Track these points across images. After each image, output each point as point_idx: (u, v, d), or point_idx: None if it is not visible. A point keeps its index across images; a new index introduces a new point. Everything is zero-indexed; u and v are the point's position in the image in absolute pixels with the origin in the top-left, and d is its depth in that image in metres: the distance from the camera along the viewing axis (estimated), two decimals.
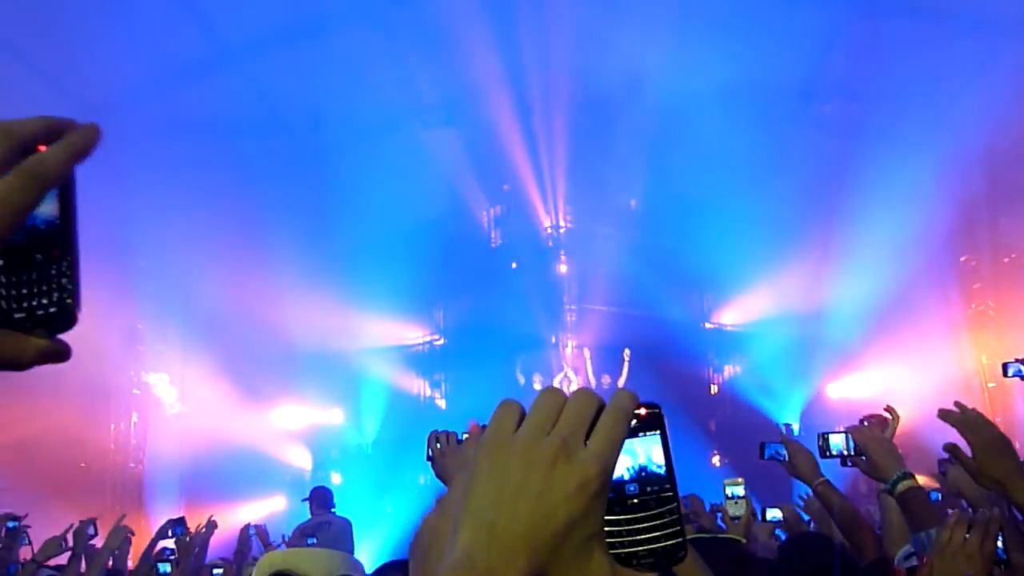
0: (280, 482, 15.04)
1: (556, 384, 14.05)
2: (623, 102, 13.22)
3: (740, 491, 3.68)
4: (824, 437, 3.30)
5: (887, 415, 3.34)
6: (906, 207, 11.83)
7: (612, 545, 0.75)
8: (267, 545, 7.34)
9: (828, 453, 3.31)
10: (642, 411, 0.78)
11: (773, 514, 5.88)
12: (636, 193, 15.16)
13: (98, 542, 5.85)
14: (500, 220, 15.77)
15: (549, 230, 15.44)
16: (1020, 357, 6.17)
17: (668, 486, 0.77)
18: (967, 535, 1.88)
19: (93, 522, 6.24)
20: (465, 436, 2.98)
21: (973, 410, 2.64)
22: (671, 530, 0.75)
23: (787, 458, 3.86)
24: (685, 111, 12.90)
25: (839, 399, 14.65)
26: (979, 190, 12.36)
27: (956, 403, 2.68)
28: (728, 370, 16.14)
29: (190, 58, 11.64)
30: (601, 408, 0.76)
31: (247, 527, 7.28)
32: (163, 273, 13.80)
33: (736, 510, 3.57)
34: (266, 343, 14.06)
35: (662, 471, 0.77)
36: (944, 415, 2.63)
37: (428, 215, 14.67)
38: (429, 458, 2.95)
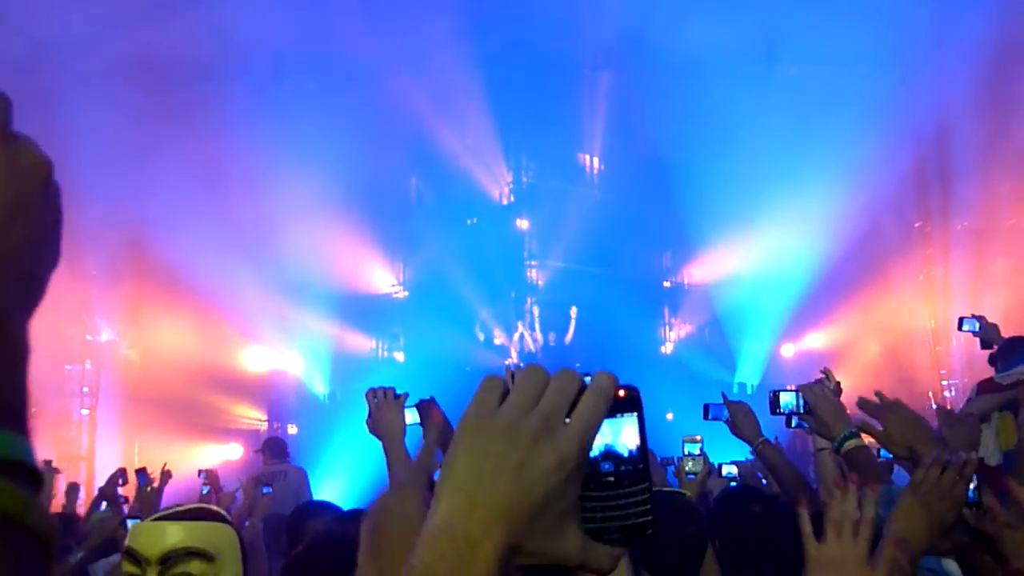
0: (236, 432, 15.01)
1: (515, 340, 14.17)
2: (587, 58, 13.19)
3: (697, 449, 3.77)
4: (775, 395, 3.36)
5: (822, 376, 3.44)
6: (863, 171, 11.97)
7: (585, 520, 0.78)
8: (218, 491, 7.31)
9: (778, 410, 3.37)
10: (621, 392, 0.80)
11: (728, 470, 6.02)
12: (599, 150, 15.16)
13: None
14: (460, 174, 15.69)
15: (510, 185, 15.41)
16: (976, 313, 6.35)
17: (641, 466, 0.79)
18: (941, 475, 1.91)
19: (123, 473, 6.31)
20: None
21: (894, 400, 2.78)
22: (641, 508, 0.79)
23: (729, 418, 3.99)
24: (651, 70, 12.92)
25: (794, 358, 14.90)
26: (932, 157, 12.51)
27: (876, 392, 2.84)
28: (685, 329, 16.27)
29: None
30: (583, 388, 0.78)
31: (199, 472, 7.29)
32: (117, 216, 13.55)
33: (694, 466, 3.66)
34: (225, 288, 13.91)
35: (636, 451, 0.80)
36: (862, 404, 2.80)
37: (389, 167, 14.58)
38: (369, 416, 2.95)
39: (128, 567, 1.80)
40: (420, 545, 0.75)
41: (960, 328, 6.37)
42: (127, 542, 1.83)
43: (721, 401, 4.07)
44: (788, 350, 15.14)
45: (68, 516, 6.21)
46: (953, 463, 1.93)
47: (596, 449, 0.79)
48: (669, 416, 14.04)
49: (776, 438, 4.60)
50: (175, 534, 1.80)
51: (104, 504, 6.66)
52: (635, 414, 0.80)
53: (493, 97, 13.82)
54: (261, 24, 12.16)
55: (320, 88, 13.47)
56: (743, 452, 6.32)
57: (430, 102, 13.94)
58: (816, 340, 14.67)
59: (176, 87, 12.81)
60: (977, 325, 6.14)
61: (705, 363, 15.30)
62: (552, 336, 14.94)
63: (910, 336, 13.82)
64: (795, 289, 14.30)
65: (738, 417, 3.96)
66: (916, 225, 14.26)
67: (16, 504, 0.55)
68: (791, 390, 3.28)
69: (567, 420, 0.77)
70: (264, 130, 13.28)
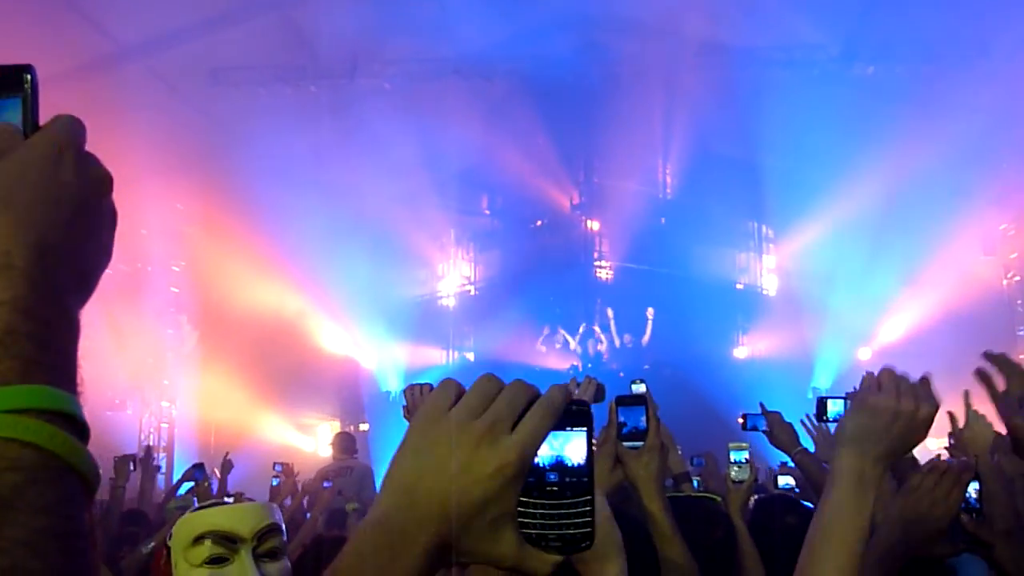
0: (309, 426, 15.33)
1: (576, 342, 14.12)
2: (655, 57, 13.08)
3: (744, 456, 3.72)
4: (822, 401, 3.31)
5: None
6: (946, 174, 11.64)
7: (525, 525, 0.80)
8: (293, 485, 7.46)
9: (825, 418, 3.32)
10: (572, 407, 0.83)
11: (785, 481, 5.91)
12: (668, 150, 15.04)
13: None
14: (531, 175, 15.74)
15: (582, 186, 15.40)
16: None
17: (586, 479, 0.82)
18: (939, 481, 1.88)
19: (133, 458, 6.50)
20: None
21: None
22: (581, 520, 0.81)
23: (767, 428, 4.07)
24: (721, 68, 12.78)
25: (872, 361, 14.56)
26: (1015, 158, 12.12)
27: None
28: (759, 332, 16.05)
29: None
30: (534, 400, 0.82)
31: (274, 465, 7.44)
32: (198, 216, 13.98)
33: (740, 474, 3.60)
34: (298, 288, 14.22)
35: (583, 464, 0.82)
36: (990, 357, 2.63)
37: (460, 167, 14.70)
38: (404, 408, 3.04)
39: (214, 549, 1.88)
40: (357, 535, 0.81)
41: None
42: (208, 526, 1.90)
43: (759, 412, 4.13)
44: (865, 353, 14.77)
45: (137, 511, 6.39)
46: (952, 469, 1.90)
47: (545, 459, 0.81)
48: (740, 420, 13.87)
49: None
50: (261, 511, 1.94)
51: (181, 492, 6.88)
52: (584, 429, 0.83)
53: (564, 96, 13.83)
54: (338, 24, 12.37)
55: (394, 87, 13.62)
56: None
57: (499, 103, 14.00)
58: (896, 347, 14.27)
59: (256, 87, 13.14)
60: None
61: (779, 367, 15.05)
62: (628, 338, 14.85)
63: (995, 345, 13.36)
64: (873, 290, 14.00)
65: (776, 427, 4.03)
66: (1001, 228, 13.83)
67: (66, 448, 0.64)
68: (840, 397, 3.21)
69: (514, 430, 0.80)
70: (344, 130, 13.55)
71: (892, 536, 1.85)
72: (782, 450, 4.04)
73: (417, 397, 3.01)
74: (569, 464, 0.82)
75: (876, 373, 1.59)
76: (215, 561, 1.86)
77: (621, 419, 2.23)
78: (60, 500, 0.63)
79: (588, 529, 0.81)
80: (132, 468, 6.31)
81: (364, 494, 7.30)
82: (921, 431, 1.52)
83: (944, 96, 11.56)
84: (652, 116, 13.77)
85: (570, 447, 0.82)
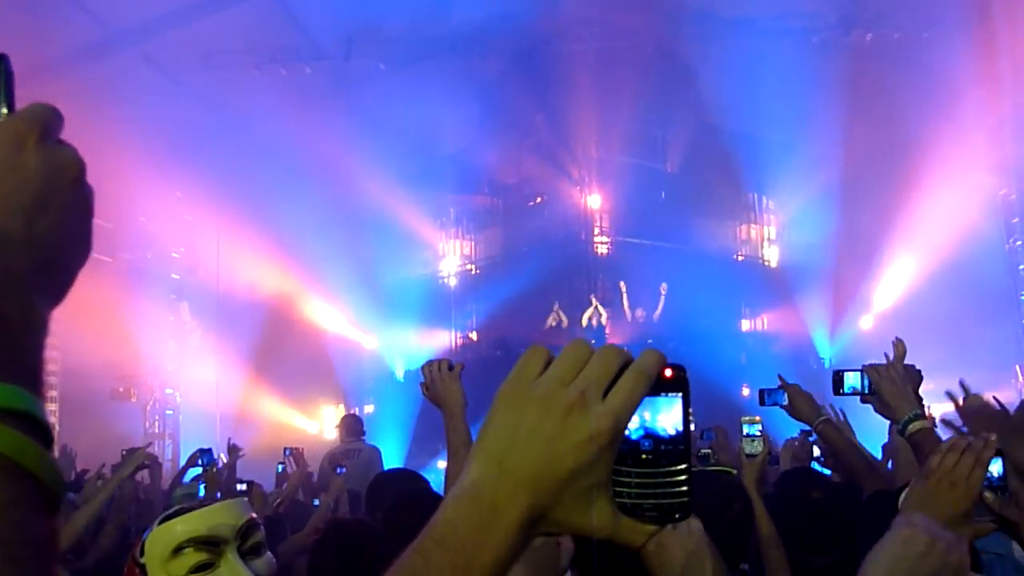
0: (315, 409, 15.36)
1: (587, 318, 14.12)
2: (652, 30, 13.00)
3: (757, 429, 3.69)
4: (838, 375, 3.28)
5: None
6: (944, 140, 11.59)
7: (619, 494, 0.78)
8: (302, 469, 7.45)
9: (841, 391, 3.28)
10: (668, 372, 0.80)
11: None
12: (669, 123, 14.96)
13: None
14: (530, 150, 15.68)
15: (582, 160, 15.32)
16: None
17: (682, 447, 0.79)
18: (958, 461, 1.83)
19: (206, 452, 6.52)
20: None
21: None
22: (678, 489, 0.78)
23: (787, 402, 3.93)
24: (719, 39, 12.69)
25: (873, 330, 14.56)
26: (1020, 122, 12.05)
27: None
28: (762, 304, 16.03)
29: None
30: (627, 365, 0.78)
31: (284, 450, 7.43)
32: (197, 202, 13.94)
33: (752, 448, 3.57)
34: (299, 273, 14.20)
35: (678, 432, 0.79)
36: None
37: (459, 146, 14.64)
38: (422, 384, 3.01)
39: (197, 556, 1.78)
40: (446, 503, 0.78)
41: None
42: (186, 534, 1.79)
43: (777, 384, 4.00)
44: (867, 322, 14.77)
45: (148, 500, 6.39)
46: (972, 447, 1.84)
47: (637, 426, 0.79)
48: (745, 391, 13.88)
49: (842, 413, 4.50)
50: (237, 508, 1.86)
51: (187, 479, 6.88)
52: (680, 395, 0.80)
53: (563, 71, 13.74)
54: (331, 4, 12.29)
55: (390, 67, 13.53)
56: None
57: (495, 81, 13.93)
58: (898, 315, 14.26)
59: (254, 69, 13.06)
60: None
61: (783, 339, 15.07)
62: (640, 313, 14.81)
63: (996, 308, 13.36)
64: (874, 258, 13.99)
65: (796, 399, 3.91)
66: (1001, 193, 13.77)
67: (17, 448, 0.60)
68: (855, 370, 3.18)
69: (606, 396, 0.77)
70: (341, 110, 13.48)
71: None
72: (805, 422, 3.93)
73: (435, 373, 2.97)
74: (663, 432, 0.80)
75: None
76: (201, 568, 1.77)
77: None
78: (5, 504, 0.58)
79: (684, 499, 0.79)
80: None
81: (372, 477, 7.27)
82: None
83: (942, 62, 11.47)
84: (650, 89, 13.67)
85: (664, 414, 0.80)
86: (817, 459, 5.82)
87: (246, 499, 1.97)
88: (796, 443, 5.71)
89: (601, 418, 0.75)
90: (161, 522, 1.84)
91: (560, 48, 13.30)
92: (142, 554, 1.82)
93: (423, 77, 13.41)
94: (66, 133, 0.75)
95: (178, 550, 1.78)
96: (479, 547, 0.75)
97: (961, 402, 3.34)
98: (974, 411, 3.11)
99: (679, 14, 12.56)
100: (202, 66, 12.85)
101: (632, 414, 0.77)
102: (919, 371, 3.29)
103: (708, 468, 3.48)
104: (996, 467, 1.88)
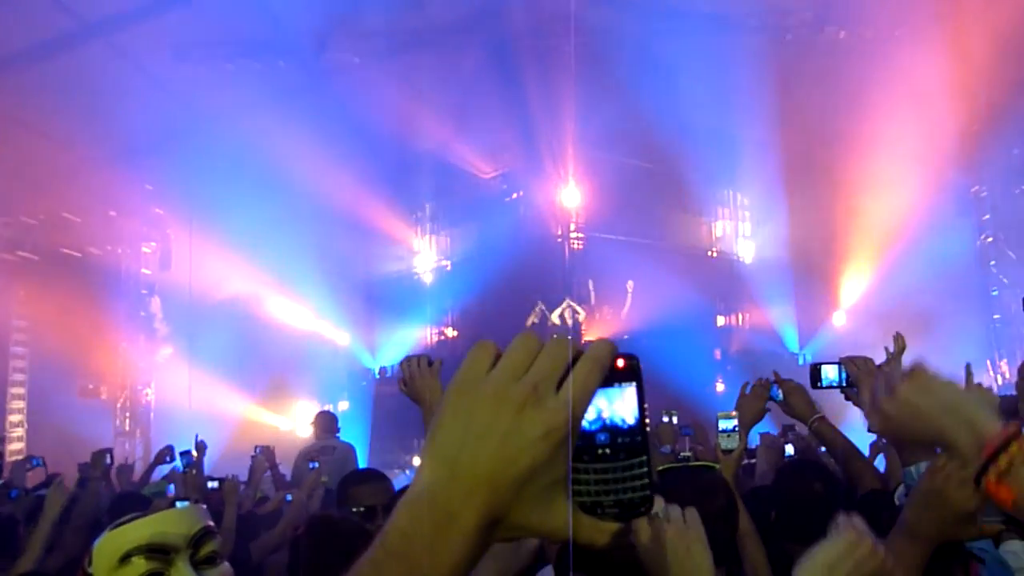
0: (288, 406, 15.26)
1: (556, 315, 14.12)
2: (632, 26, 13.00)
3: (733, 424, 3.67)
4: (816, 368, 3.26)
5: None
6: (917, 137, 11.67)
7: (578, 492, 0.75)
8: (273, 467, 7.41)
9: (819, 384, 3.27)
10: (620, 362, 0.77)
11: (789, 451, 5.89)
12: (646, 119, 14.98)
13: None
14: (506, 145, 15.63)
15: (558, 157, 15.31)
16: None
17: (639, 438, 0.76)
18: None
19: (110, 451, 6.43)
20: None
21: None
22: (638, 482, 0.75)
23: (782, 397, 3.86)
24: (699, 36, 12.71)
25: (846, 330, 14.68)
26: (992, 119, 12.15)
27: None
28: (736, 300, 16.11)
29: None
30: (578, 357, 0.76)
31: (255, 448, 7.37)
32: (168, 196, 13.81)
33: (729, 443, 3.54)
34: (272, 268, 14.10)
35: (635, 423, 0.76)
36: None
37: (435, 141, 14.59)
38: (400, 379, 2.99)
39: (145, 565, 1.69)
40: (398, 510, 0.74)
41: None
42: (135, 542, 1.69)
43: (772, 380, 3.90)
44: (840, 317, 14.89)
45: (135, 494, 6.31)
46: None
47: (592, 420, 0.76)
48: (720, 387, 13.96)
49: None
50: (192, 514, 1.78)
51: (156, 476, 6.82)
52: (634, 384, 0.77)
53: (541, 64, 13.72)
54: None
55: (363, 62, 13.45)
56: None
57: (472, 76, 13.88)
58: (870, 311, 14.39)
59: (227, 63, 12.94)
60: None
61: (758, 334, 15.17)
62: (607, 309, 14.84)
63: (968, 305, 13.50)
64: (848, 255, 14.09)
65: (792, 396, 3.84)
66: (972, 190, 13.91)
67: None
68: (833, 363, 3.17)
69: (559, 389, 0.74)
70: (315, 105, 13.38)
71: (919, 521, 1.76)
72: (798, 419, 3.87)
73: (415, 369, 2.95)
74: (620, 423, 0.76)
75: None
76: None
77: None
78: None
79: (646, 492, 0.75)
80: (109, 461, 6.27)
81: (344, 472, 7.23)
82: None
83: (915, 60, 11.55)
84: (626, 85, 13.67)
85: (620, 405, 0.76)
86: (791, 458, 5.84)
87: (203, 507, 1.89)
88: (770, 439, 5.72)
89: (556, 412, 0.72)
90: (111, 529, 1.75)
91: (536, 44, 13.26)
92: (90, 563, 1.73)
93: (398, 72, 13.33)
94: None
95: (125, 558, 1.70)
96: (435, 556, 0.72)
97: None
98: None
99: (655, 10, 12.57)
100: (173, 59, 12.68)
101: (587, 406, 0.74)
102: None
103: (690, 464, 3.45)
104: None
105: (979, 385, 3.18)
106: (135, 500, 5.27)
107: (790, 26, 12.26)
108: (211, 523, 1.79)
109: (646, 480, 0.75)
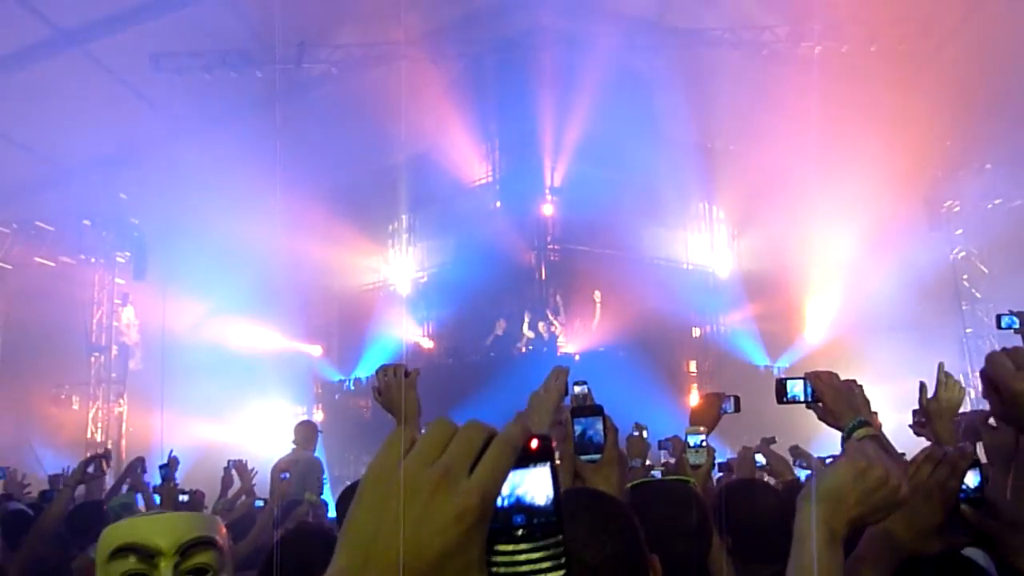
0: (261, 414, 15.16)
1: (528, 326, 14.11)
2: (604, 39, 13.07)
3: (700, 439, 3.65)
4: (781, 383, 3.25)
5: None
6: (892, 150, 11.78)
7: (495, 575, 0.75)
8: (245, 480, 7.34)
9: (784, 399, 3.26)
10: (533, 443, 0.78)
11: (756, 459, 5.90)
12: (622, 132, 15.06)
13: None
14: (485, 158, 15.65)
15: (535, 169, 15.35)
16: (1014, 309, 6.26)
17: (555, 518, 0.77)
18: (934, 471, 1.72)
19: (143, 461, 6.40)
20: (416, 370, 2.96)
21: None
22: (554, 562, 0.75)
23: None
24: (677, 51, 12.80)
25: (820, 343, 14.77)
26: (965, 135, 12.30)
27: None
28: (710, 312, 16.17)
29: None
30: (491, 439, 0.76)
31: (228, 462, 7.31)
32: (144, 206, 13.73)
33: (697, 458, 3.52)
34: (247, 279, 14.00)
35: (549, 503, 0.77)
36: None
37: (414, 152, 14.57)
38: (375, 388, 2.93)
39: (131, 564, 1.71)
40: None
41: (999, 326, 6.32)
42: (126, 539, 1.73)
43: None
44: (816, 330, 14.99)
45: (95, 502, 6.24)
46: (948, 458, 1.75)
47: (507, 501, 0.76)
48: (694, 399, 13.97)
49: None
50: (188, 522, 1.78)
51: (124, 489, 6.74)
52: (548, 464, 0.78)
53: (519, 76, 13.76)
54: (283, 8, 12.14)
55: (342, 72, 13.43)
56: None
57: (450, 88, 13.90)
58: (844, 326, 14.49)
59: (205, 72, 12.88)
60: (1017, 322, 6.08)
61: (732, 347, 15.23)
62: (579, 322, 14.85)
63: (940, 319, 13.63)
64: (822, 269, 14.19)
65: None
66: (946, 204, 14.05)
67: None
68: (798, 378, 3.16)
69: (472, 472, 0.75)
70: (293, 116, 13.34)
71: (884, 533, 1.71)
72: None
73: (391, 378, 2.89)
74: (535, 503, 0.77)
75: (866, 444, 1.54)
76: None
77: (577, 431, 2.16)
78: None
79: (563, 572, 0.76)
80: (90, 470, 6.21)
81: (307, 486, 7.18)
82: (894, 509, 1.49)
83: (889, 75, 11.67)
84: (603, 98, 13.73)
85: (534, 485, 0.77)
86: (762, 467, 5.84)
87: (215, 518, 1.87)
88: (737, 456, 5.71)
89: (467, 495, 0.73)
90: (113, 524, 1.79)
91: (515, 56, 13.31)
92: (95, 552, 1.77)
93: (376, 82, 13.32)
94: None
95: (115, 553, 1.73)
96: None
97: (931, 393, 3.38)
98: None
99: (634, 24, 12.64)
100: (151, 68, 12.62)
101: (499, 487, 0.75)
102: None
103: (666, 479, 3.43)
104: (972, 478, 1.78)
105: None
106: (93, 511, 5.24)
107: (766, 41, 12.35)
108: (212, 535, 1.79)
109: (562, 560, 0.76)
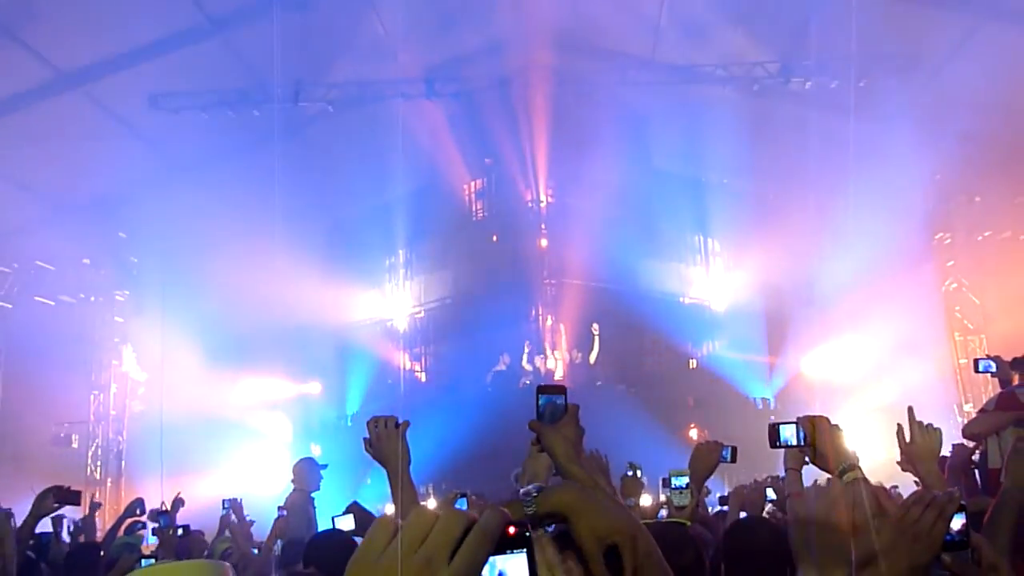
0: (260, 452, 15.06)
1: (526, 359, 14.08)
2: (605, 75, 13.18)
3: (684, 481, 3.65)
4: (774, 428, 3.26)
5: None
6: (883, 184, 11.85)
7: None
8: (241, 520, 7.30)
9: (778, 443, 3.27)
10: (511, 530, 0.81)
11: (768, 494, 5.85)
12: (616, 167, 15.12)
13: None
14: (481, 194, 15.73)
15: (531, 204, 15.41)
16: (991, 354, 6.42)
17: None
18: (922, 514, 1.77)
19: (142, 502, 6.36)
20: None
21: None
22: None
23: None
24: (668, 86, 12.90)
25: (816, 375, 14.76)
26: (955, 168, 12.38)
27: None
28: (707, 345, 16.16)
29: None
30: (471, 527, 0.79)
31: (223, 502, 7.26)
32: (143, 247, 13.74)
33: (681, 500, 3.53)
34: (249, 319, 13.98)
35: None
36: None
37: (410, 188, 14.63)
38: (365, 440, 2.96)
39: None
40: None
41: (976, 370, 6.50)
42: None
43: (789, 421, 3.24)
44: (810, 362, 14.98)
45: (92, 544, 6.21)
46: (936, 502, 1.80)
47: None
48: (692, 434, 13.93)
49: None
50: (209, 571, 1.79)
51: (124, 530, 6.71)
52: (524, 551, 0.81)
53: (514, 116, 13.85)
54: (279, 48, 12.20)
55: (338, 110, 13.49)
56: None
57: (445, 124, 14.00)
58: (837, 356, 14.48)
59: (202, 112, 12.93)
60: (994, 366, 6.22)
61: (732, 379, 15.18)
62: (577, 355, 14.84)
63: (933, 350, 13.63)
64: (816, 305, 14.18)
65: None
66: (936, 237, 14.12)
67: None
68: (791, 422, 3.17)
69: (452, 559, 0.77)
70: (285, 156, 13.34)
71: (875, 574, 1.75)
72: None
73: (382, 430, 2.92)
74: None
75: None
76: None
77: (543, 402, 2.25)
78: None
79: None
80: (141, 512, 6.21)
81: (300, 525, 7.12)
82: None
83: (879, 109, 11.76)
84: (598, 133, 13.83)
85: (513, 571, 0.81)
86: (773, 503, 5.80)
87: (227, 565, 1.89)
88: (747, 490, 5.67)
89: None
90: (137, 570, 1.80)
91: (509, 92, 13.41)
92: None
93: (372, 119, 13.40)
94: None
95: None
96: None
97: (907, 439, 3.28)
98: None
99: (626, 60, 12.76)
100: (149, 108, 12.69)
101: (478, 574, 0.78)
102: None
103: (662, 521, 3.45)
104: (957, 521, 1.84)
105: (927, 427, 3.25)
106: (90, 553, 5.22)
107: (757, 77, 12.44)
108: None
109: None
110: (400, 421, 2.97)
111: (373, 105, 13.30)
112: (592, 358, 14.78)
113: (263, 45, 11.78)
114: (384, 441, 2.90)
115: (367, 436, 2.96)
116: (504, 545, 0.79)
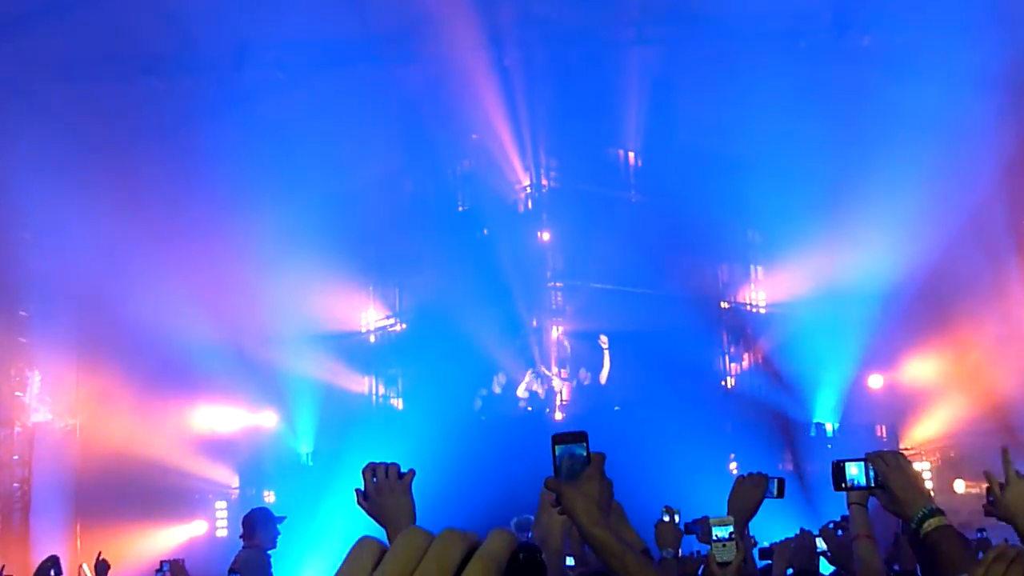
0: (201, 502, 15.07)
1: (526, 385, 14.02)
2: (620, 32, 13.16)
3: (727, 532, 3.68)
4: (839, 466, 3.35)
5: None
6: (955, 158, 11.76)
7: None
8: None
9: (844, 485, 3.36)
10: (520, 555, 0.82)
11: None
12: (634, 144, 15.09)
13: None
14: (467, 177, 15.71)
15: (528, 190, 15.37)
16: None
17: None
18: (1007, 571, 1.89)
19: (56, 561, 6.47)
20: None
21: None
22: None
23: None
24: (696, 43, 12.87)
25: (883, 391, 14.77)
26: None
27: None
28: (747, 359, 16.16)
29: None
30: (472, 550, 0.80)
31: (161, 564, 7.36)
32: (51, 248, 13.72)
33: (724, 555, 3.52)
34: (179, 334, 13.97)
35: None
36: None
37: (379, 172, 14.61)
38: (359, 492, 2.96)
39: None
40: None
41: None
42: None
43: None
44: (876, 381, 14.98)
45: None
46: (1021, 556, 1.92)
47: None
48: (733, 467, 13.97)
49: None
50: None
51: None
52: None
53: (505, 82, 13.85)
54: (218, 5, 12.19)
55: (291, 78, 13.51)
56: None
57: (427, 90, 13.99)
58: (908, 369, 14.48)
59: (121, 83, 12.93)
60: None
61: (775, 399, 15.15)
62: (584, 374, 14.83)
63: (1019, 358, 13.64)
64: (884, 305, 14.11)
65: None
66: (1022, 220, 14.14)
67: None
68: (859, 460, 3.26)
69: None
70: (224, 133, 13.31)
71: None
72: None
73: (382, 481, 2.95)
74: None
75: None
76: None
77: (558, 454, 2.37)
78: None
79: None
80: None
81: None
82: None
83: (952, 69, 11.68)
84: (611, 102, 13.80)
85: None
86: (823, 554, 5.94)
87: None
88: (793, 543, 5.79)
89: None
90: None
91: (499, 55, 13.39)
92: None
93: (333, 89, 13.39)
94: None
95: None
96: None
97: (999, 490, 3.25)
98: None
99: (643, 13, 12.70)
100: (56, 79, 12.69)
101: None
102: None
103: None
104: None
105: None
106: None
107: (804, 31, 12.40)
108: None
109: None
110: (403, 471, 2.97)
111: (333, 71, 13.31)
112: (603, 377, 14.77)
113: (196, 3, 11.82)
114: (386, 494, 2.90)
115: (361, 488, 2.96)
116: (512, 574, 0.79)
